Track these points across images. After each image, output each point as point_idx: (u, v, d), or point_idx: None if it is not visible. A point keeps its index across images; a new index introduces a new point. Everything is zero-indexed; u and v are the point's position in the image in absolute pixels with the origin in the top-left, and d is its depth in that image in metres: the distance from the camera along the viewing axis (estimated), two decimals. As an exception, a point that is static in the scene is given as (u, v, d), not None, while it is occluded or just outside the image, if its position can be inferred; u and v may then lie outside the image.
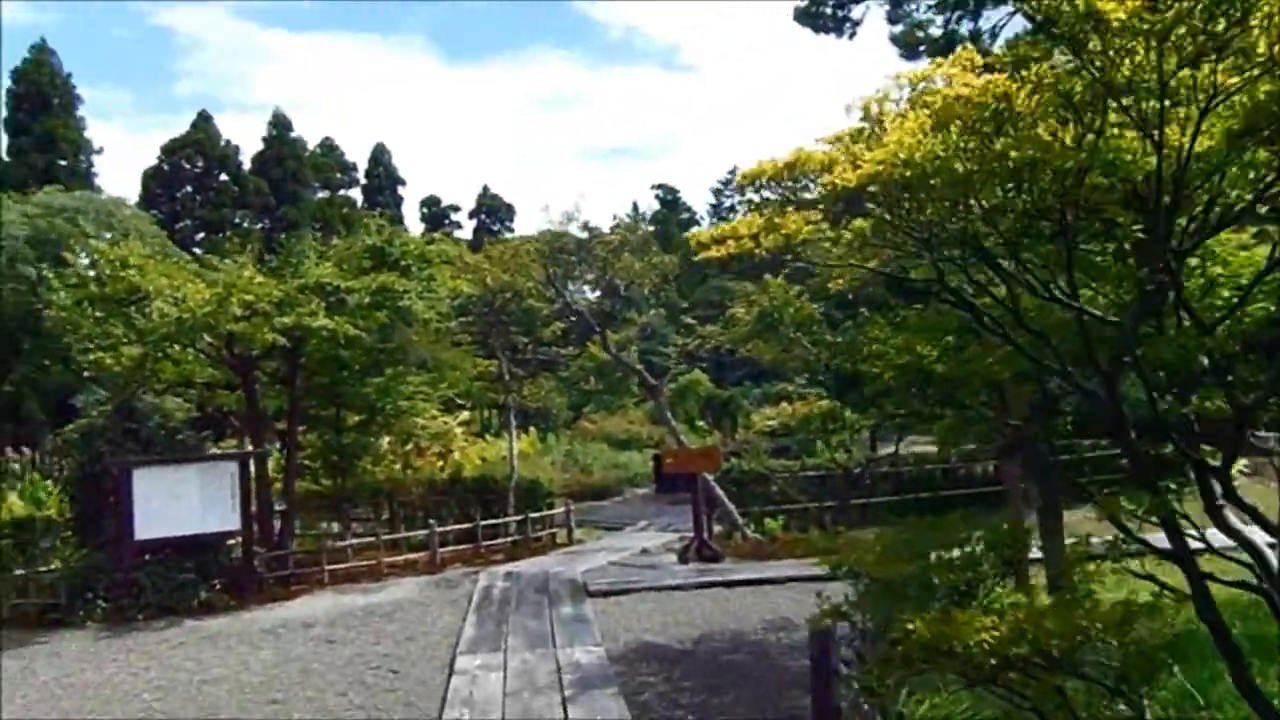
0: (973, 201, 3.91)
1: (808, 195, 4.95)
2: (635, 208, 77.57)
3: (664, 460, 19.31)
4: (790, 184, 4.68)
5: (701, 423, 32.14)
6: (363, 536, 19.57)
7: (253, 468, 17.49)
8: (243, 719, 9.21)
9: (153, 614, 14.41)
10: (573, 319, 27.91)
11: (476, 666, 10.37)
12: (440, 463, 25.89)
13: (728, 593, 14.14)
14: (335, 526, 20.82)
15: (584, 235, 23.33)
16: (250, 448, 18.46)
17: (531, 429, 38.27)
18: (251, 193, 56.86)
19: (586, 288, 25.00)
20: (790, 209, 5.10)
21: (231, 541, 16.39)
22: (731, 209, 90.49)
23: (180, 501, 15.68)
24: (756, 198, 4.98)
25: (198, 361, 18.87)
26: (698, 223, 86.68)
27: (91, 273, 18.77)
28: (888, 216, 4.33)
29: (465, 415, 30.34)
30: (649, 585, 14.82)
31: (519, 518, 20.73)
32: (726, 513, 19.70)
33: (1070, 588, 10.29)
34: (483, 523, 19.94)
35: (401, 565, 18.02)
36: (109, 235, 28.87)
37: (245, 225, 53.28)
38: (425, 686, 9.95)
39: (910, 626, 3.58)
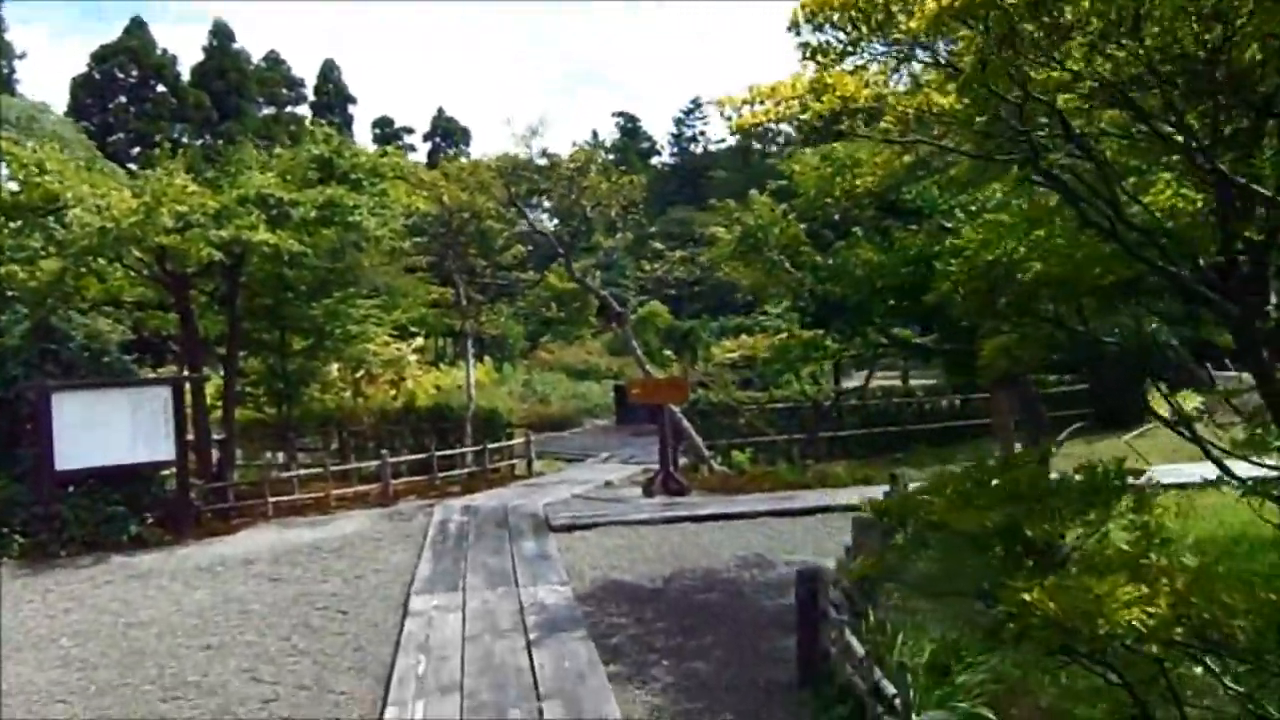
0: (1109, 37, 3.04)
1: (878, 47, 3.96)
2: (595, 135, 75.56)
3: (629, 390, 18.51)
4: (862, 21, 3.70)
5: (668, 352, 31.37)
6: (310, 467, 18.58)
7: (190, 394, 16.35)
8: (173, 666, 8.32)
9: (77, 550, 13.38)
10: (532, 248, 26.72)
11: (433, 607, 9.57)
12: (393, 391, 24.89)
13: (697, 528, 13.49)
14: (281, 457, 19.81)
15: (544, 162, 22.14)
16: (187, 372, 17.27)
17: (487, 358, 37.33)
18: (191, 106, 54.03)
19: (545, 215, 23.77)
20: (849, 65, 4.12)
21: (166, 472, 15.31)
22: (694, 139, 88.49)
23: (107, 429, 14.53)
24: (814, 40, 3.98)
25: (126, 278, 17.50)
26: (658, 152, 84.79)
27: (12, 185, 17.15)
28: (1004, 46, 3.40)
29: (419, 342, 29.22)
30: (614, 519, 14.11)
31: (476, 448, 19.91)
32: (693, 445, 19.05)
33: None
34: (438, 453, 19.09)
35: (351, 498, 17.11)
36: (30, 144, 26.76)
37: (184, 140, 50.64)
38: (377, 629, 9.14)
39: (1026, 598, 2.80)
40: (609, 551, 12.20)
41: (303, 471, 17.76)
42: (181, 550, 13.49)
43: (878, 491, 15.42)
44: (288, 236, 15.51)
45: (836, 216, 10.01)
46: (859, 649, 6.01)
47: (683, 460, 18.67)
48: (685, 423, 18.99)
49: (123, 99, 53.72)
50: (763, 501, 15.04)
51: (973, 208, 10.11)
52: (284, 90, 60.85)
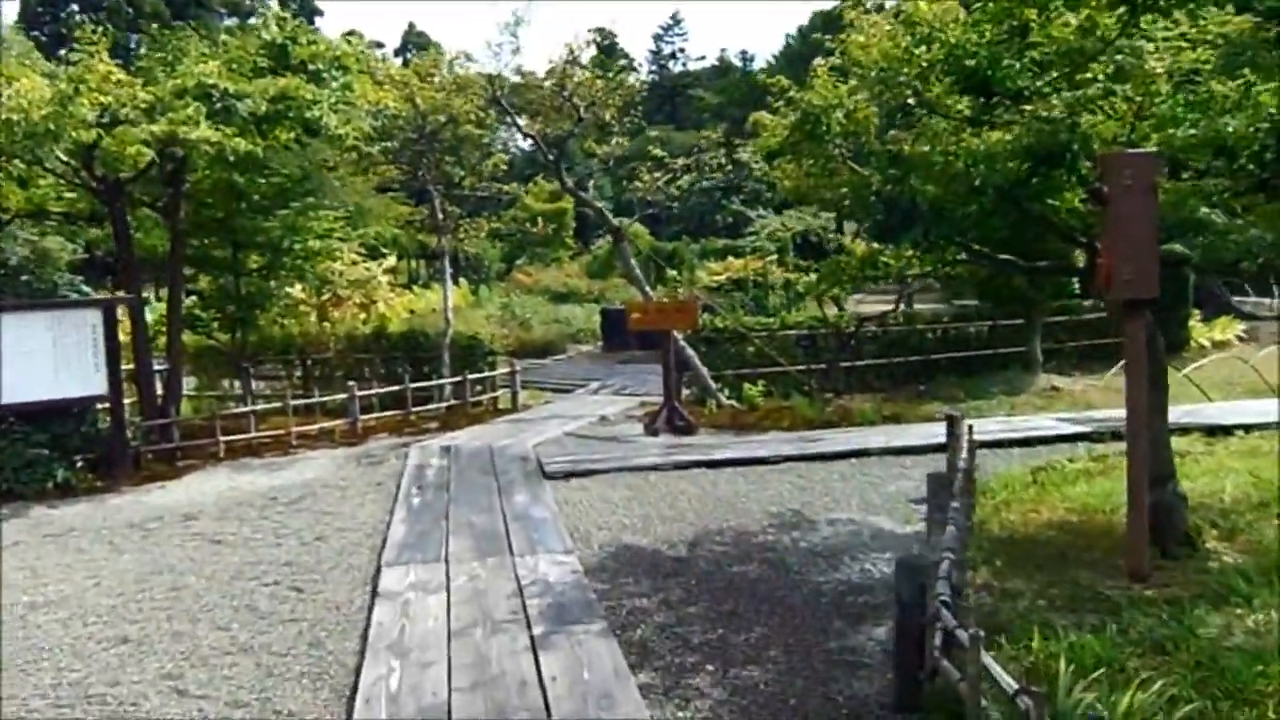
0: None
1: None
2: (570, 50, 72.19)
3: (630, 315, 16.55)
4: None
5: (673, 273, 29.38)
6: (269, 400, 16.65)
7: (129, 319, 14.29)
8: (76, 670, 6.49)
9: (-8, 499, 11.48)
10: (509, 166, 24.44)
11: (409, 586, 7.76)
12: (362, 315, 22.84)
13: (714, 475, 11.72)
14: (236, 387, 17.84)
15: (519, 76, 19.87)
16: (122, 293, 15.12)
17: (463, 280, 35.23)
18: (148, 15, 50.74)
19: (520, 130, 21.20)
20: None
21: (102, 408, 13.32)
22: (673, 55, 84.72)
23: (25, 359, 12.53)
24: None
25: (52, 185, 15.25)
26: (635, 70, 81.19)
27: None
28: None
29: (390, 262, 27.03)
30: (618, 465, 12.31)
31: (455, 379, 18.00)
32: (697, 376, 17.22)
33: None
34: (413, 385, 17.17)
35: (315, 435, 15.21)
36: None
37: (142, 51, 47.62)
38: (338, 615, 7.33)
39: None
40: (616, 506, 10.41)
41: (260, 406, 15.83)
42: (114, 500, 11.61)
43: (911, 431, 13.79)
44: (234, 134, 13.30)
45: (911, 99, 7.97)
46: (1008, 680, 4.27)
47: (685, 393, 16.89)
48: (689, 351, 17.14)
49: (75, 7, 50.59)
50: (785, 443, 13.27)
51: (1069, 94, 8.18)
52: (247, 1, 57.46)
